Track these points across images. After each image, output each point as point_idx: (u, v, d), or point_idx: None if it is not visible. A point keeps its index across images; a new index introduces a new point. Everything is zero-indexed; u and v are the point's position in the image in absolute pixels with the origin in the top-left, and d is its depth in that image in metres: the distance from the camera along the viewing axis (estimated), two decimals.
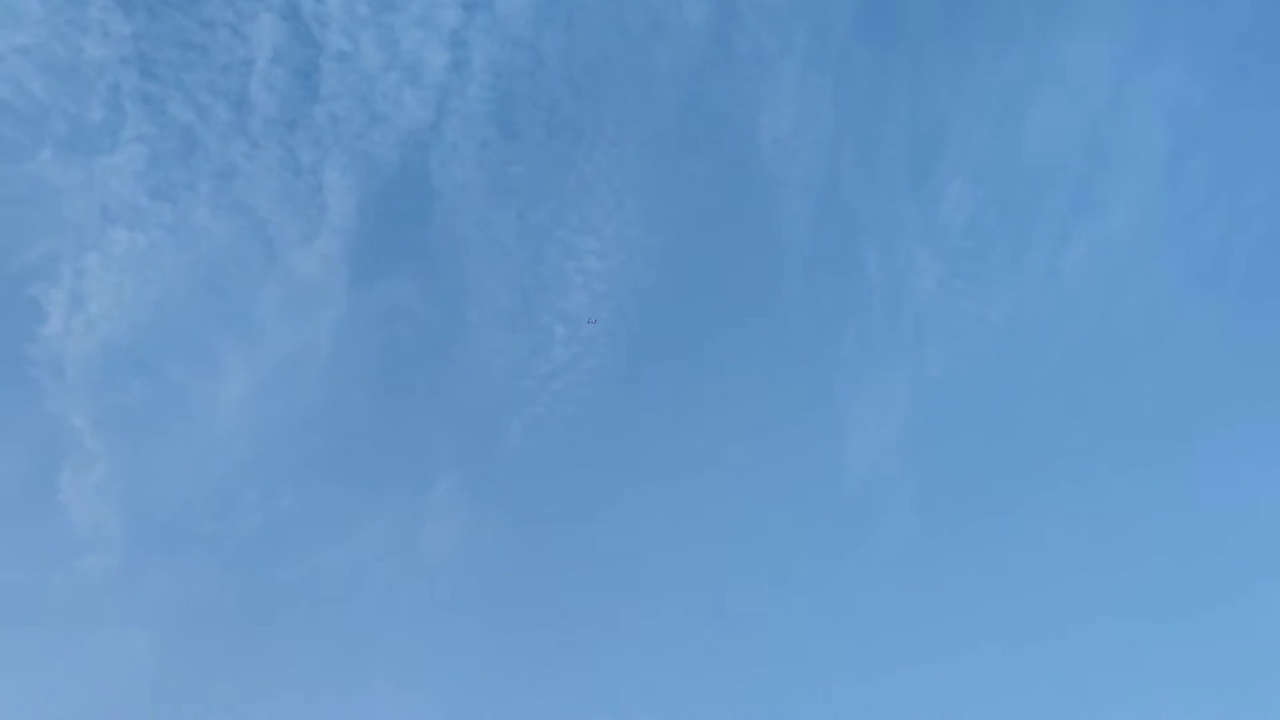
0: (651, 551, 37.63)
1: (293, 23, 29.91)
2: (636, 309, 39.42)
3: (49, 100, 28.83)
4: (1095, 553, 34.48)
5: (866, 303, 37.15)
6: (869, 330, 37.26)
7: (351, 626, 34.72)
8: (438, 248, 37.46)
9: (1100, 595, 34.21)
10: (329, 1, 29.23)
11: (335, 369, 36.56)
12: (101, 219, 31.96)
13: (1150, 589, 33.42)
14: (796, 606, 36.71)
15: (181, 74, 30.06)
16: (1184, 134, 31.52)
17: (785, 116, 34.40)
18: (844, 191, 36.12)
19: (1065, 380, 35.73)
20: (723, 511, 37.91)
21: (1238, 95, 30.96)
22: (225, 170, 32.70)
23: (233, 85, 30.45)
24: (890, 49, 33.30)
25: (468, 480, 37.53)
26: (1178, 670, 31.23)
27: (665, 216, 37.28)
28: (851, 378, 37.76)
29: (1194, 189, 31.95)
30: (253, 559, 33.97)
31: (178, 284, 33.63)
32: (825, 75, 34.16)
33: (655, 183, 37.66)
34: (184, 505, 34.55)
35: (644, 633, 36.45)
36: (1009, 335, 36.70)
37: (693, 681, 35.04)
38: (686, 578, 36.94)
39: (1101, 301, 34.63)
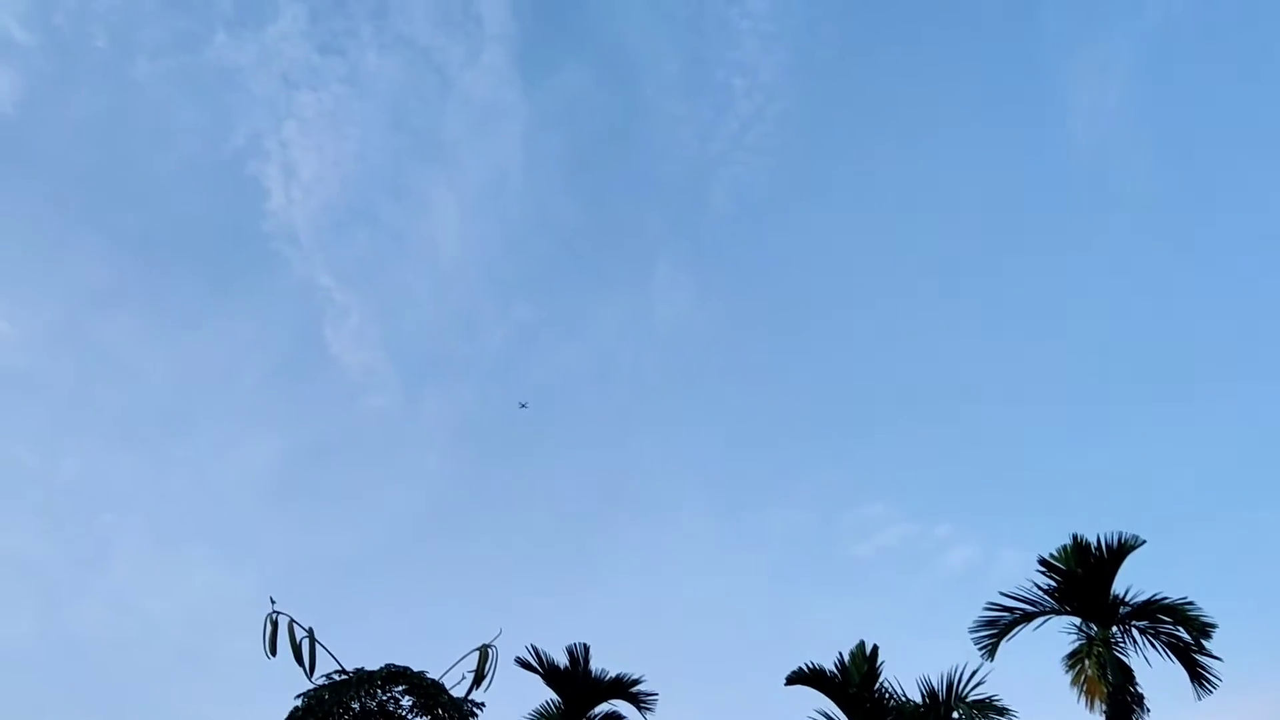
0: (877, 270, 35.99)
1: None
2: (811, 40, 37.16)
3: None
4: None
5: None
6: None
7: (609, 407, 35.56)
8: (597, 27, 36.21)
9: None
10: None
11: (533, 175, 36.62)
12: (285, 86, 32.81)
13: None
14: (1043, 298, 34.09)
15: None
16: None
17: None
18: None
19: None
20: (947, 223, 35.60)
21: None
22: (378, 9, 32.70)
23: None
24: None
25: (685, 253, 37.29)
26: None
27: None
28: (1059, 51, 34.32)
29: None
30: (508, 368, 35.01)
31: (369, 132, 34.38)
32: None
33: None
34: (435, 335, 35.87)
35: (883, 353, 35.07)
36: None
37: (921, 398, 33.47)
38: (914, 286, 35.09)
39: None
